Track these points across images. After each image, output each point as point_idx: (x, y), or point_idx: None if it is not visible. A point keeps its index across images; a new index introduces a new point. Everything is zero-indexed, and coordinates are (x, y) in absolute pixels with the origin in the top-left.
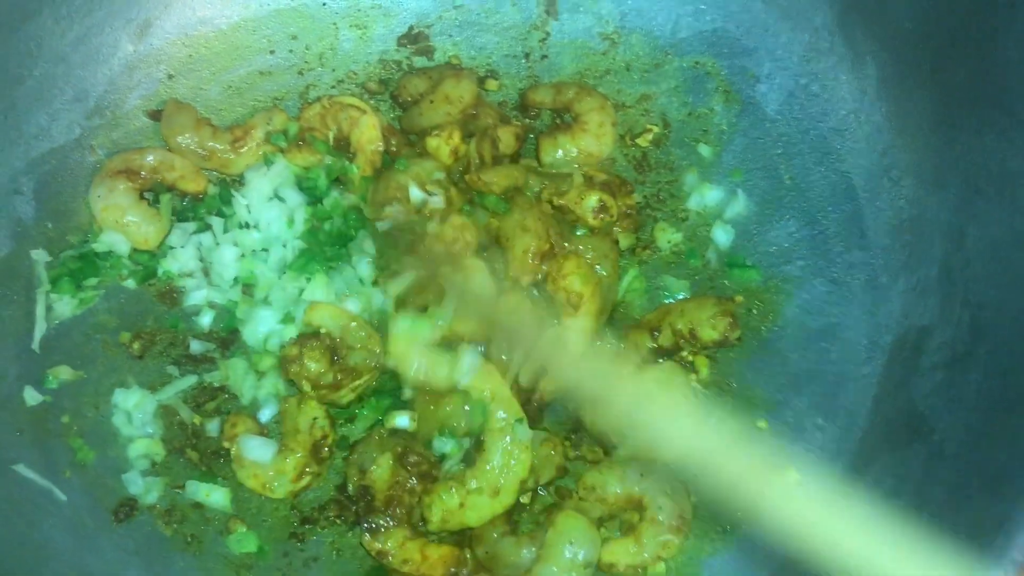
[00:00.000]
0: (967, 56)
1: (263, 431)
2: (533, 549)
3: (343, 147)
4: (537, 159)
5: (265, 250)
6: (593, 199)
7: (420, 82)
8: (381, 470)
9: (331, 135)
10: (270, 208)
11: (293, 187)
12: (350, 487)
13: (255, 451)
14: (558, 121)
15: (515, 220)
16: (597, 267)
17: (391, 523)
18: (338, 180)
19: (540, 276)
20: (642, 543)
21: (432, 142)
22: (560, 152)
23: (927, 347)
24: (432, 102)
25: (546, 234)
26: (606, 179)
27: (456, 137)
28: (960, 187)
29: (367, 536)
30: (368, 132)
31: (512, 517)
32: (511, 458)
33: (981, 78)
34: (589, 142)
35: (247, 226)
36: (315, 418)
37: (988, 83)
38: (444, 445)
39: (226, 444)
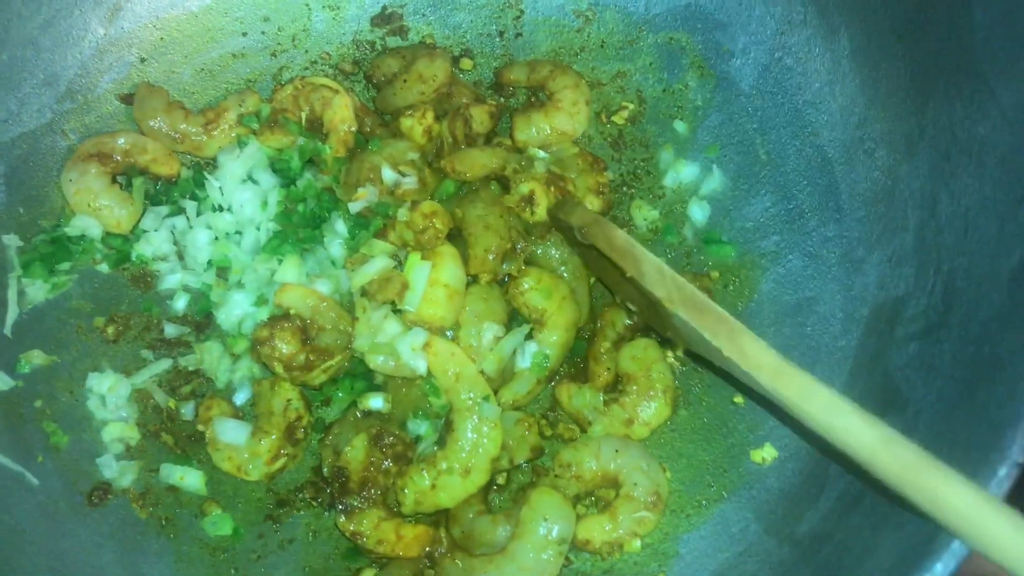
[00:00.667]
0: (936, 22)
1: (238, 414)
2: (508, 527)
3: (316, 128)
4: (511, 137)
5: (239, 233)
6: (524, 188)
7: (393, 62)
8: (356, 451)
9: (304, 116)
10: (243, 190)
11: (266, 169)
12: (325, 469)
13: (230, 433)
14: (533, 100)
15: (477, 215)
16: (561, 269)
17: (366, 504)
18: (311, 161)
19: (501, 275)
20: (617, 520)
21: (406, 122)
22: (534, 130)
23: (902, 318)
24: (406, 82)
25: (507, 233)
26: (559, 174)
27: (429, 117)
28: (931, 155)
29: (342, 517)
30: (341, 112)
31: (487, 497)
32: (481, 436)
33: (950, 44)
34: (563, 120)
35: (220, 209)
36: (289, 400)
37: (957, 49)
38: (418, 427)
39: (201, 427)
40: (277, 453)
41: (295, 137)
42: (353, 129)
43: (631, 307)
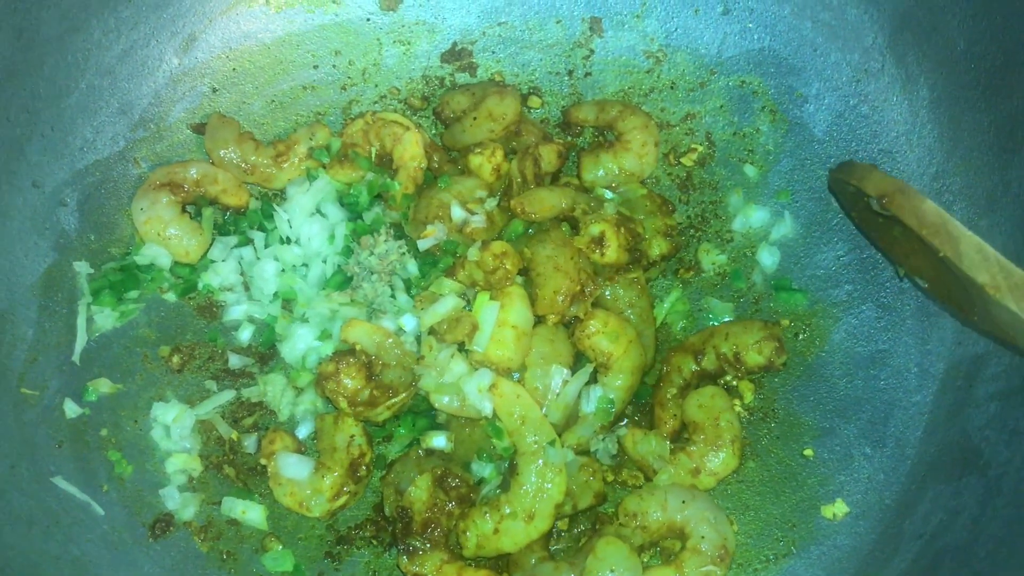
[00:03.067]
0: (1023, 77)
1: (301, 448)
2: (573, 575)
3: (385, 163)
4: (578, 176)
5: (305, 266)
6: (595, 229)
7: (463, 98)
8: (419, 491)
9: (374, 151)
10: (311, 223)
11: (334, 203)
12: (387, 508)
13: (292, 468)
14: (600, 139)
15: (547, 256)
16: (628, 312)
17: (428, 546)
18: (379, 197)
19: (568, 318)
20: (684, 572)
21: (475, 160)
22: (601, 171)
23: (981, 376)
24: (475, 119)
25: (576, 275)
26: (628, 215)
27: (499, 155)
28: (1014, 211)
29: (404, 558)
30: (411, 149)
31: (549, 543)
32: (545, 481)
33: None
34: (631, 161)
35: (288, 241)
36: (352, 436)
37: None
38: (483, 469)
39: (263, 461)
40: (339, 490)
41: (364, 172)
42: (423, 166)
43: (920, 282)
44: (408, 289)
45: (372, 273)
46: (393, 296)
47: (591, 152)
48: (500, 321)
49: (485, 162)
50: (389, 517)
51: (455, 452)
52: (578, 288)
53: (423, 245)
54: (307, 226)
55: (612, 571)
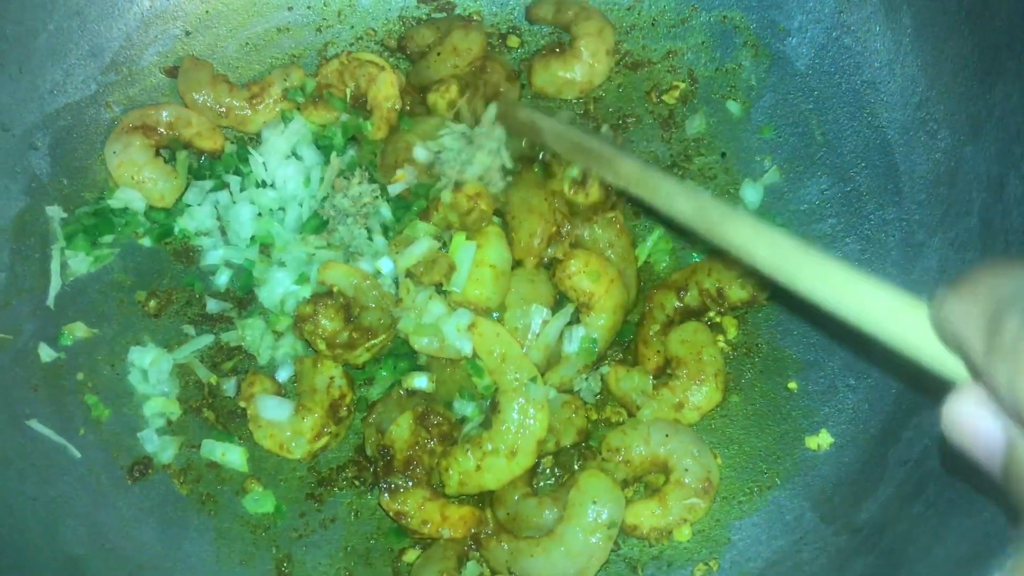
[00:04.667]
0: (1006, 0)
1: (280, 391)
2: (556, 510)
3: (360, 105)
4: (529, 82)
5: (282, 209)
6: (573, 170)
7: (428, 32)
8: (401, 430)
9: (349, 92)
10: (287, 166)
11: (310, 145)
12: (368, 448)
13: (272, 411)
14: (557, 43)
15: (520, 199)
16: (609, 251)
17: (410, 484)
18: (354, 138)
19: (546, 260)
20: (667, 505)
21: (431, 97)
22: (551, 77)
23: None
24: (439, 54)
25: (552, 216)
26: None
27: (453, 90)
28: (999, 136)
29: (386, 496)
30: (385, 89)
31: (533, 479)
32: (527, 418)
33: (1021, 23)
34: (582, 70)
35: (264, 184)
36: (332, 377)
37: None
38: (464, 407)
39: (243, 404)
40: (320, 431)
41: (339, 113)
42: (397, 107)
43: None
44: (385, 232)
45: (347, 216)
46: (370, 238)
47: (543, 58)
48: (477, 261)
49: (439, 99)
50: (371, 457)
51: (437, 392)
52: (554, 229)
53: (394, 190)
54: (283, 169)
55: (595, 503)
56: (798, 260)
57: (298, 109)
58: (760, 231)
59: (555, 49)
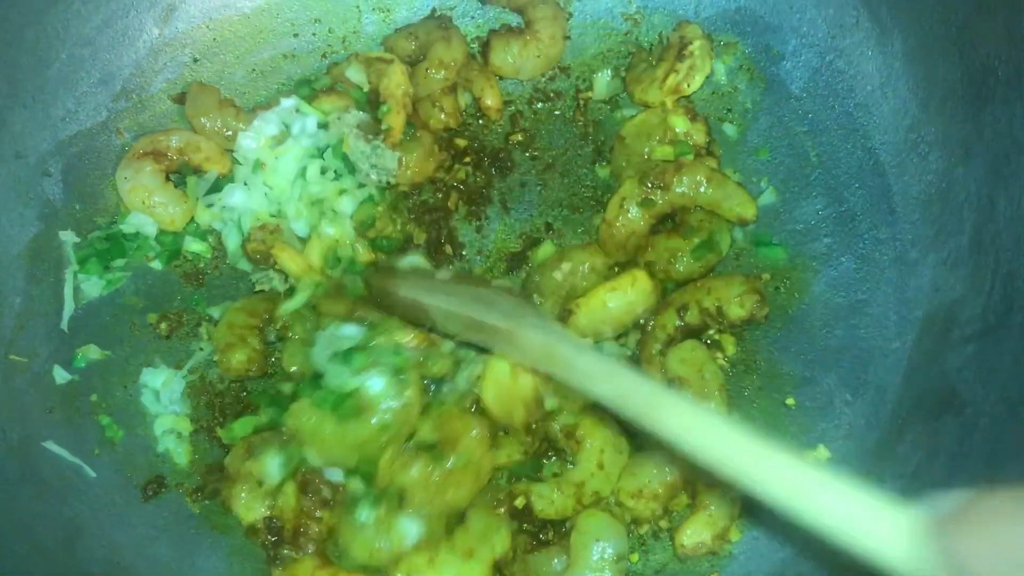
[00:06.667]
0: (994, 26)
1: None
2: (564, 557)
3: (371, 101)
4: (485, 59)
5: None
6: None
7: (405, 42)
8: (287, 498)
9: (365, 91)
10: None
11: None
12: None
13: None
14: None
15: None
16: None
17: (299, 553)
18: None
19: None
20: (710, 512)
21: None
22: (509, 57)
23: (958, 320)
24: (428, 71)
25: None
26: None
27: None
28: (988, 158)
29: (278, 567)
30: (396, 77)
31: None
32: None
33: (1008, 48)
34: (537, 52)
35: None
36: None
37: (1016, 53)
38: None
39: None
40: None
41: (348, 102)
42: (410, 92)
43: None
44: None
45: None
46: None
47: (502, 37)
48: None
49: (435, 115)
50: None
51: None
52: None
53: None
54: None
55: (598, 540)
56: (748, 456)
57: (305, 100)
58: (699, 417)
59: (513, 30)
